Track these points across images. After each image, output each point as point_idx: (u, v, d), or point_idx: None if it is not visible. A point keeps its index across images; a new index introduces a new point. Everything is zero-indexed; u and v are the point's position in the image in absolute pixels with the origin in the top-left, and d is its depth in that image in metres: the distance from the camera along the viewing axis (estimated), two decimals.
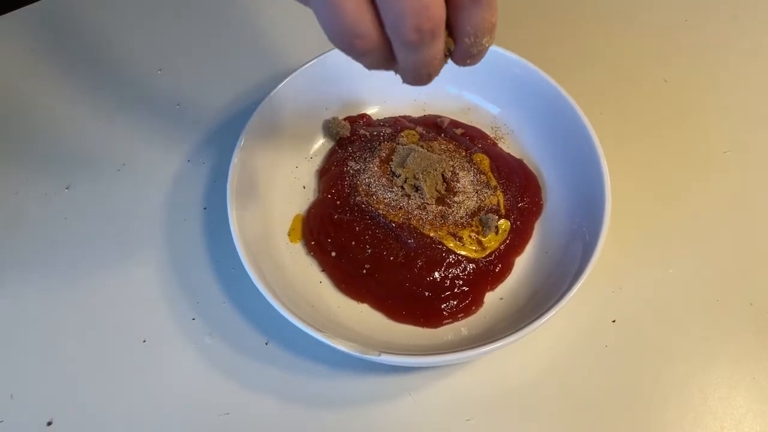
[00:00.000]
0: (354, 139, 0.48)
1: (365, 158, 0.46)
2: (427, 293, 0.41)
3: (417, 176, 0.43)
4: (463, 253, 0.42)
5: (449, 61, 0.30)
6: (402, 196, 0.44)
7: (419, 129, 0.48)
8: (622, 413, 0.40)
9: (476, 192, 0.44)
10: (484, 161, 0.46)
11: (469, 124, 0.50)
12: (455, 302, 0.41)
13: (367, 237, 0.43)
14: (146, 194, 0.48)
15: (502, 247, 0.43)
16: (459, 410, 0.40)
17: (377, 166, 0.45)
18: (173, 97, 0.54)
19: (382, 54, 0.27)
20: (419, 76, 0.29)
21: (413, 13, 0.25)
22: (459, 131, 0.49)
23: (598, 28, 0.58)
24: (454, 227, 0.43)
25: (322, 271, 0.44)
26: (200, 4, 0.60)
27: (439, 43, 0.27)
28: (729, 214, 0.47)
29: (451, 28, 0.28)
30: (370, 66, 0.29)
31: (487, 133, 0.50)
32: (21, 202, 0.48)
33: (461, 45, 0.28)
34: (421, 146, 0.45)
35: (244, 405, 0.40)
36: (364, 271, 0.42)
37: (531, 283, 0.43)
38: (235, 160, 0.43)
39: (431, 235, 0.42)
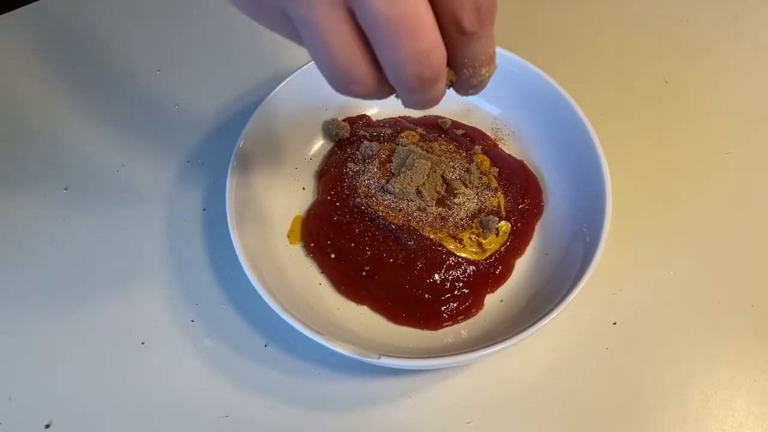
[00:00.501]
0: (354, 140, 0.48)
1: (365, 159, 0.46)
2: (427, 295, 0.41)
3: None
4: (463, 255, 0.42)
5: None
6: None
7: (419, 130, 0.48)
8: (623, 416, 0.39)
9: (477, 194, 0.44)
10: (485, 162, 0.46)
11: (469, 125, 0.50)
12: (455, 304, 0.41)
13: (366, 239, 0.42)
14: (145, 195, 0.48)
15: (502, 249, 0.43)
16: (459, 413, 0.40)
17: (377, 168, 0.45)
18: (172, 97, 0.53)
19: (383, 93, 0.27)
20: (420, 108, 0.29)
21: (413, 61, 0.24)
22: (459, 132, 0.49)
23: (598, 28, 0.58)
24: (454, 229, 0.43)
25: (322, 272, 0.44)
26: (200, 4, 0.60)
27: (441, 85, 0.27)
28: (730, 214, 0.47)
29: (450, 61, 0.27)
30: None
31: (488, 134, 0.50)
32: (20, 202, 0.48)
33: (461, 77, 0.28)
34: (421, 147, 0.45)
35: (244, 407, 0.40)
36: (364, 273, 0.42)
37: (531, 285, 0.43)
38: (234, 161, 0.43)
39: (431, 237, 0.42)
